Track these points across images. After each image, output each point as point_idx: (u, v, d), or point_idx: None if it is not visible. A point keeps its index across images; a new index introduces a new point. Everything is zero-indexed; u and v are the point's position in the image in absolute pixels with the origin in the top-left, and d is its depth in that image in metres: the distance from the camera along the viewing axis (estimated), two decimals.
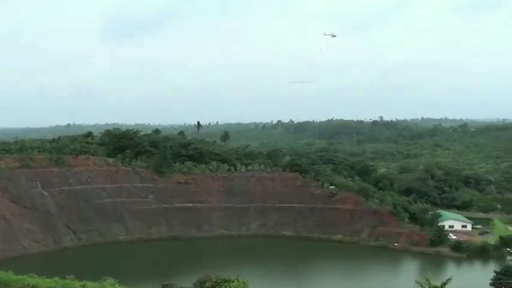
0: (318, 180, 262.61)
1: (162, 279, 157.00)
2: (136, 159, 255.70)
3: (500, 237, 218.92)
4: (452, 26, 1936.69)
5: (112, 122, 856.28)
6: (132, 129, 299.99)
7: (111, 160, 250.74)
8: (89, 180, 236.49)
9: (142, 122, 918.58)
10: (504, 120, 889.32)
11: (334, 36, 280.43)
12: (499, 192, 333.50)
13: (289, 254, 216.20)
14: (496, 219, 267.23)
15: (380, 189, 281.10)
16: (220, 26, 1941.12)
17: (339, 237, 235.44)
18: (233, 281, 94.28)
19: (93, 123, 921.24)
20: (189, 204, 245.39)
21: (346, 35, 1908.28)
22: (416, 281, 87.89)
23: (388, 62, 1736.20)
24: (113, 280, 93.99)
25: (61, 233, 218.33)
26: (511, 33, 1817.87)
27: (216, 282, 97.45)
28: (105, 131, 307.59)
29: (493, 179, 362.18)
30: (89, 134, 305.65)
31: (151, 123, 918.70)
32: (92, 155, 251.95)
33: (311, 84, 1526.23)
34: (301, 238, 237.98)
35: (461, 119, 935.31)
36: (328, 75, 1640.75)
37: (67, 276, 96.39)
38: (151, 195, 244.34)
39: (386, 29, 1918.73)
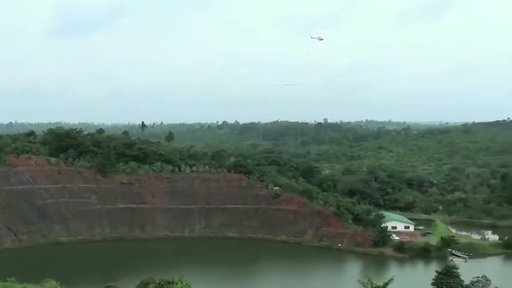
0: (262, 181, 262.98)
1: (105, 281, 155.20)
2: (80, 159, 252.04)
3: (442, 238, 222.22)
4: (397, 30, 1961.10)
5: (55, 121, 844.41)
6: (76, 129, 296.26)
7: (53, 160, 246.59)
8: (31, 180, 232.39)
9: (86, 121, 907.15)
10: (446, 123, 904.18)
11: (322, 39, 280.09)
12: (441, 194, 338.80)
13: (234, 255, 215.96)
14: (438, 220, 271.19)
15: (324, 190, 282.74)
16: (166, 25, 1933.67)
17: (283, 237, 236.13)
18: (176, 283, 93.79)
19: (35, 122, 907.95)
20: (133, 205, 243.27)
21: (294, 37, 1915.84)
22: (358, 281, 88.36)
23: (334, 64, 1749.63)
24: (55, 282, 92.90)
25: (1, 234, 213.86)
26: (454, 38, 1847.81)
27: (160, 284, 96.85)
28: (47, 130, 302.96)
29: (435, 181, 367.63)
30: (31, 133, 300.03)
31: (95, 123, 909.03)
32: (34, 154, 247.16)
33: (254, 85, 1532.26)
34: (245, 239, 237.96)
35: (404, 122, 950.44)
36: (275, 76, 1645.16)
37: (7, 279, 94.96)
38: (95, 196, 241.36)
39: (333, 32, 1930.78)
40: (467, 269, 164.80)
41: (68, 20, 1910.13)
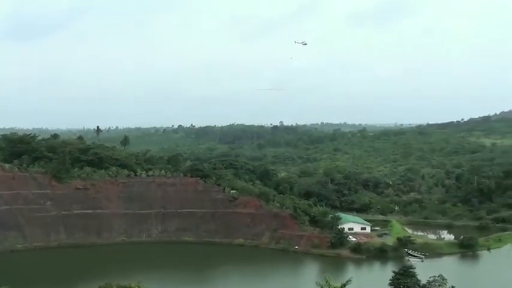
0: (219, 185, 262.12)
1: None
2: (34, 165, 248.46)
3: (398, 239, 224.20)
4: (351, 33, 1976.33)
5: (9, 126, 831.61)
6: (30, 134, 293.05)
7: (7, 166, 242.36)
8: None
9: (40, 126, 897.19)
10: (401, 125, 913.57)
11: (305, 44, 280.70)
12: (397, 195, 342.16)
13: (191, 260, 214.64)
14: (394, 220, 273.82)
15: (280, 192, 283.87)
16: (120, 29, 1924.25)
17: (241, 241, 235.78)
18: None
19: None
20: (89, 211, 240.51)
21: (248, 40, 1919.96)
22: (316, 283, 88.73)
23: (289, 67, 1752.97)
24: None
25: None
26: (407, 41, 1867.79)
27: None
28: (1, 135, 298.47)
29: (390, 182, 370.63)
30: None
31: (50, 128, 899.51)
32: None
33: (210, 89, 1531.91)
34: (202, 243, 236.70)
35: (360, 124, 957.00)
36: (229, 79, 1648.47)
37: None
38: (50, 202, 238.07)
39: (289, 34, 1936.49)
40: (423, 269, 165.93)
41: (22, 24, 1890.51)
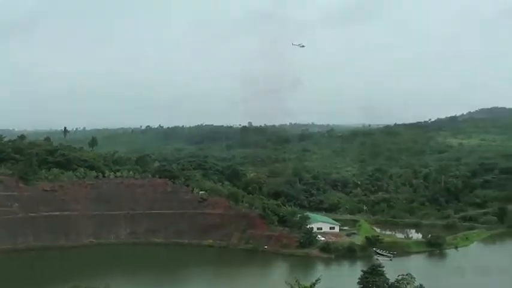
0: (188, 186, 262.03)
1: None
2: (0, 167, 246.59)
3: (367, 238, 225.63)
4: (322, 34, 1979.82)
5: None
6: None
7: None
8: None
9: (6, 128, 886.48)
10: (369, 125, 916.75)
11: (303, 46, 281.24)
12: (365, 195, 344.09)
13: (160, 261, 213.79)
14: (362, 220, 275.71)
15: (249, 193, 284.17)
16: (87, 29, 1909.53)
17: (210, 241, 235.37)
18: None
19: None
20: (56, 213, 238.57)
21: (212, 41, 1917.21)
22: (286, 282, 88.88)
23: (253, 67, 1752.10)
24: None
25: None
26: (372, 42, 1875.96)
27: None
28: None
29: (359, 182, 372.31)
30: None
31: (17, 129, 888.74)
32: None
33: (177, 90, 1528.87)
34: (171, 244, 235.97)
35: (328, 125, 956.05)
36: (198, 79, 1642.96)
37: None
38: (17, 204, 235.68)
39: (252, 37, 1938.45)
40: (392, 267, 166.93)
41: None
